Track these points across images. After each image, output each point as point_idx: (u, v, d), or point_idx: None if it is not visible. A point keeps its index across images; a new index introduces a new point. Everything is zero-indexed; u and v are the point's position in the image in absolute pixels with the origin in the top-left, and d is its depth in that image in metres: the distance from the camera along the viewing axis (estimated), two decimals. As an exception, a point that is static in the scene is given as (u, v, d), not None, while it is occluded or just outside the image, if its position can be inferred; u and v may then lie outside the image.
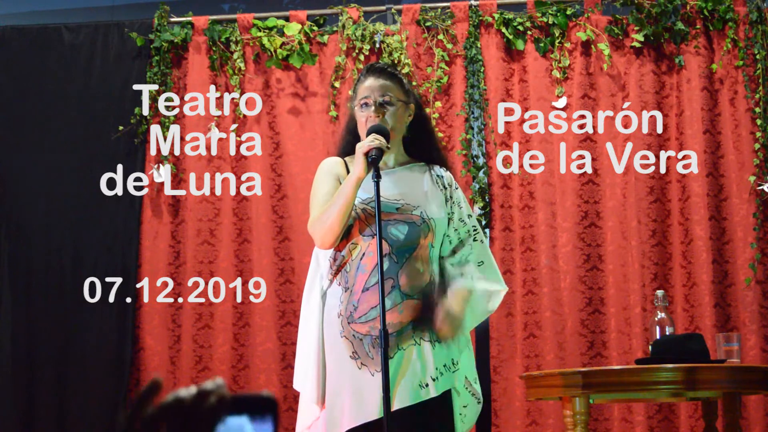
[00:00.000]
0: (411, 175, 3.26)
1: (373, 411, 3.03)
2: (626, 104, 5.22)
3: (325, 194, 3.18)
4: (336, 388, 3.10)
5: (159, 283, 5.26)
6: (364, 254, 3.12)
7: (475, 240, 3.24)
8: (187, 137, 5.35)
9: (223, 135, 5.33)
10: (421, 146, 3.32)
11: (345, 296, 3.13)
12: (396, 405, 3.01)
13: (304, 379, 3.19)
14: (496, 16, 5.31)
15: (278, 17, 5.41)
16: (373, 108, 3.18)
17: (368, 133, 3.10)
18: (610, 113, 5.23)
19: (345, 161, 3.26)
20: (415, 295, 3.10)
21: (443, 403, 3.11)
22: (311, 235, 3.18)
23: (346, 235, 3.15)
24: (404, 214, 3.15)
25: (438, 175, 3.29)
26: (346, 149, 3.31)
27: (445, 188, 3.28)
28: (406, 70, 5.22)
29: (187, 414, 0.99)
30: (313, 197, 3.23)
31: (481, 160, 5.22)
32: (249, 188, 5.30)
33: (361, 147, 3.04)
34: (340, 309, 3.13)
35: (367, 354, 3.08)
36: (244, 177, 5.31)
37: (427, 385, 3.06)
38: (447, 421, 3.12)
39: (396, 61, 5.24)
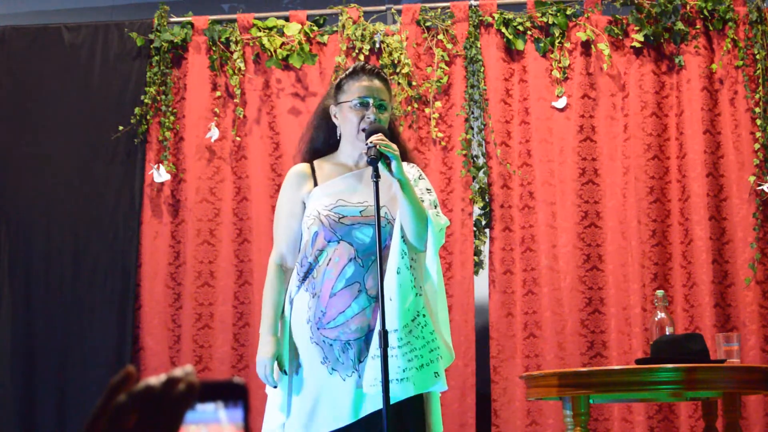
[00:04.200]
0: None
1: (345, 416, 3.02)
2: (626, 104, 5.22)
3: (284, 220, 3.21)
4: (307, 394, 3.09)
5: (159, 283, 5.26)
6: (330, 260, 3.11)
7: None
8: (187, 137, 5.36)
9: (224, 135, 5.34)
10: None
11: (313, 302, 3.12)
12: (370, 409, 2.99)
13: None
14: (496, 16, 5.31)
15: (278, 17, 5.42)
16: (373, 110, 3.17)
17: (368, 134, 3.07)
18: (610, 113, 5.23)
19: (313, 166, 3.25)
20: None
21: (415, 402, 3.08)
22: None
23: (312, 243, 3.14)
24: (368, 216, 3.12)
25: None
26: (320, 146, 3.29)
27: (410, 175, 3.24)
28: (406, 70, 5.22)
29: (158, 401, 0.99)
30: (276, 215, 3.26)
31: (481, 160, 5.22)
32: (249, 188, 5.30)
33: (264, 371, 3.08)
34: (309, 315, 3.12)
35: (338, 359, 3.07)
36: (244, 177, 5.31)
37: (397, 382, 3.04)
38: (420, 420, 3.09)
39: (396, 61, 5.24)
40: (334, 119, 3.25)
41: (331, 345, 3.07)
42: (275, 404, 3.15)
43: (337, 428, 3.03)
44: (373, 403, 3.00)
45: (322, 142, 3.28)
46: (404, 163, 3.19)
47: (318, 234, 3.13)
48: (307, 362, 3.10)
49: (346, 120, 3.18)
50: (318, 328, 3.10)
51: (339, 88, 3.24)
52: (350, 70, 3.25)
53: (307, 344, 3.11)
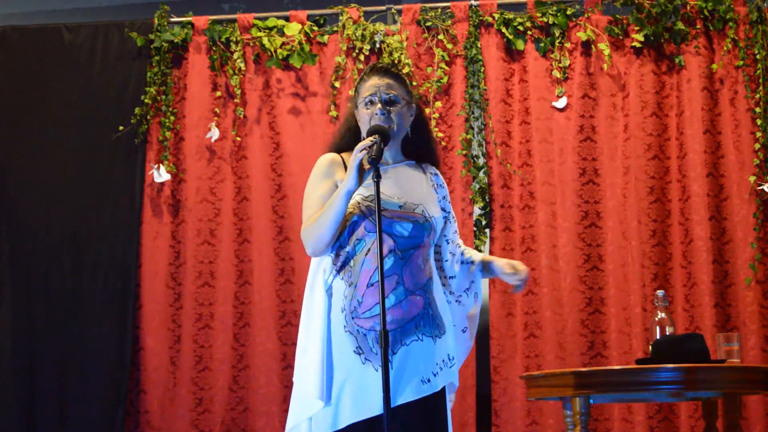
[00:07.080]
0: (409, 173, 3.27)
1: (377, 406, 3.03)
2: (626, 104, 5.23)
3: (318, 197, 3.17)
4: (339, 383, 3.10)
5: (159, 283, 5.26)
6: (369, 250, 3.12)
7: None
8: (187, 137, 5.36)
9: (224, 135, 5.34)
10: (419, 147, 3.33)
11: (349, 291, 3.13)
12: (400, 400, 3.01)
13: (305, 373, 3.17)
14: (496, 16, 5.31)
15: (278, 17, 5.42)
16: (379, 105, 3.19)
17: (368, 134, 3.09)
18: (611, 113, 5.24)
19: (342, 158, 3.26)
20: (417, 291, 3.12)
21: (441, 397, 3.13)
22: (303, 241, 3.17)
23: (351, 232, 3.16)
24: (407, 211, 3.16)
25: (432, 174, 3.31)
26: (344, 146, 3.31)
27: (441, 187, 3.30)
28: (406, 70, 5.22)
29: None
30: (306, 199, 3.23)
31: (481, 160, 5.22)
32: (249, 188, 5.30)
33: (356, 157, 3.03)
34: (344, 304, 3.13)
35: (371, 349, 3.08)
36: (244, 177, 5.32)
37: (429, 380, 3.08)
38: (444, 415, 3.14)
39: (396, 61, 5.24)
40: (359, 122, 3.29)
41: (364, 335, 3.09)
42: (310, 394, 3.13)
43: (367, 418, 3.05)
44: (405, 395, 3.03)
45: (347, 142, 3.30)
46: (431, 167, 3.32)
47: (357, 223, 3.14)
48: (339, 351, 3.11)
49: (362, 120, 3.24)
50: (353, 318, 3.10)
51: (356, 92, 3.29)
52: (363, 72, 3.30)
53: (341, 333, 3.12)
